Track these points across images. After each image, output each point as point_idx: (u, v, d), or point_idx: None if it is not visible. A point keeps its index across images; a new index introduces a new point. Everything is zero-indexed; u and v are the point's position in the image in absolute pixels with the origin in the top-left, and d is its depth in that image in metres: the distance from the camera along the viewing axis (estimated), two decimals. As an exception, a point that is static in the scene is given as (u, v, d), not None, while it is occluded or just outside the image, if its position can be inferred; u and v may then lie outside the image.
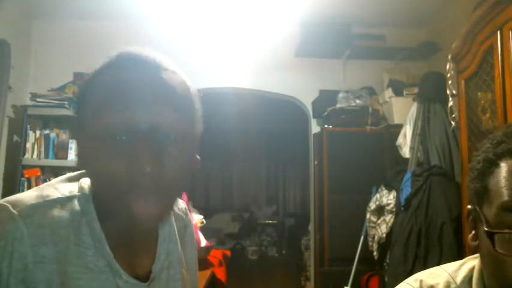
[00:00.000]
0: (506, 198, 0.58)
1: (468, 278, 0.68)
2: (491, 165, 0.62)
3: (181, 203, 0.79)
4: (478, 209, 0.63)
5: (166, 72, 0.57)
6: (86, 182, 0.63)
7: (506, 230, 0.55)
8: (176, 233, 0.72)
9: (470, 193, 0.65)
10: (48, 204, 0.57)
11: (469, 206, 0.66)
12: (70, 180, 0.65)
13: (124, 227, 0.60)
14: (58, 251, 0.55)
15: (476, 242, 0.63)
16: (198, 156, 0.63)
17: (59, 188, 0.61)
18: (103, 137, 0.53)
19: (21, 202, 0.56)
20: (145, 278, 0.64)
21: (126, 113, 0.53)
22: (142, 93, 0.54)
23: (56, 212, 0.57)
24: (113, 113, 0.53)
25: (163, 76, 0.56)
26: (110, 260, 0.59)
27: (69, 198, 0.59)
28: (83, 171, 0.65)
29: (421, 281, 0.72)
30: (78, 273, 0.56)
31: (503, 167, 0.60)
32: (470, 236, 0.64)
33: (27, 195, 0.58)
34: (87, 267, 0.57)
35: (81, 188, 0.61)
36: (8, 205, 0.55)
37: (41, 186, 0.62)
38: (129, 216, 0.54)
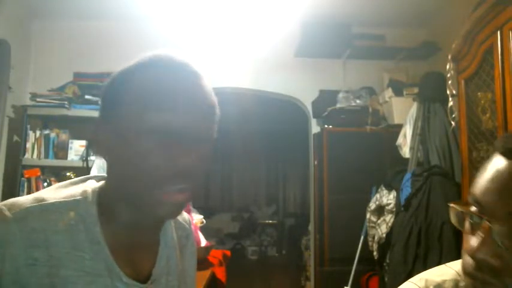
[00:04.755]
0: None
1: None
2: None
3: (186, 214, 0.81)
4: None
5: (202, 78, 0.63)
6: (89, 186, 0.64)
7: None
8: (176, 240, 0.74)
9: None
10: (44, 208, 0.58)
11: None
12: (72, 184, 0.66)
13: (129, 227, 0.62)
14: (51, 255, 0.56)
15: None
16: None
17: (59, 192, 0.62)
18: (145, 130, 0.56)
19: (17, 205, 0.57)
20: (145, 280, 0.65)
21: (170, 113, 0.57)
22: (185, 96, 0.59)
23: (52, 216, 0.58)
24: (158, 112, 0.57)
25: (200, 82, 0.62)
26: (110, 264, 0.60)
27: (68, 202, 0.60)
28: (87, 176, 0.67)
29: (426, 280, 0.71)
30: (74, 277, 0.57)
31: (489, 162, 0.60)
32: None
33: (25, 199, 0.59)
34: (84, 271, 0.57)
35: (84, 192, 0.62)
36: (4, 208, 0.56)
37: (42, 190, 0.63)
38: (157, 206, 0.58)
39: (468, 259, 0.59)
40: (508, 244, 0.54)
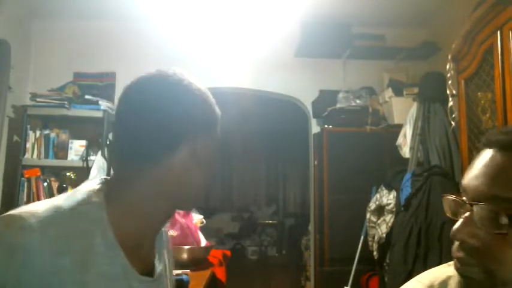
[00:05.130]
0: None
1: None
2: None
3: None
4: None
5: None
6: (97, 191, 0.65)
7: None
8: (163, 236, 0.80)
9: None
10: (62, 215, 0.59)
11: None
12: (80, 191, 0.66)
13: (141, 228, 0.67)
14: (75, 261, 0.57)
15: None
16: None
17: (73, 198, 0.63)
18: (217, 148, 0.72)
19: (36, 214, 0.57)
20: (150, 274, 0.69)
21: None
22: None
23: (70, 223, 0.59)
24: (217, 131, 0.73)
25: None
26: (126, 267, 0.62)
27: (83, 208, 0.61)
28: (92, 181, 0.68)
29: (431, 278, 0.72)
30: (95, 282, 0.58)
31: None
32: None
33: (42, 207, 0.60)
34: (103, 276, 0.59)
35: (93, 197, 0.64)
36: (24, 217, 0.56)
37: (53, 198, 0.64)
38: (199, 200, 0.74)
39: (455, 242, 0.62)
40: (487, 226, 0.56)
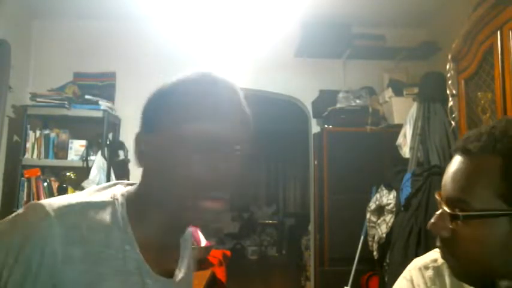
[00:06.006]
0: None
1: None
2: None
3: None
4: None
5: (239, 93, 0.68)
6: (118, 190, 0.67)
7: None
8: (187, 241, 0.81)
9: None
10: (82, 207, 0.61)
11: None
12: (101, 190, 0.68)
13: (160, 229, 0.66)
14: (88, 252, 0.58)
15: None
16: None
17: (93, 194, 0.66)
18: (189, 141, 0.61)
19: (56, 203, 0.59)
20: (171, 275, 0.70)
21: (212, 122, 0.62)
22: (225, 107, 0.64)
23: (89, 214, 0.61)
24: (204, 122, 0.61)
25: (238, 96, 0.67)
26: (140, 262, 0.63)
27: (103, 204, 0.63)
28: (114, 182, 0.71)
29: (416, 262, 0.84)
30: (108, 275, 0.59)
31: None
32: None
33: (62, 198, 0.62)
34: (116, 270, 0.60)
35: (114, 195, 0.66)
36: (44, 204, 0.58)
37: (74, 194, 0.67)
38: (197, 213, 0.62)
39: None
40: (449, 221, 0.66)
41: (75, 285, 0.56)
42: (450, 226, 0.66)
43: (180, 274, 0.72)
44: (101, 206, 0.63)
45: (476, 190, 0.63)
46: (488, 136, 0.65)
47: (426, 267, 0.81)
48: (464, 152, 0.66)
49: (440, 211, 0.69)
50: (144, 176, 0.67)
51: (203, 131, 0.61)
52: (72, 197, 0.63)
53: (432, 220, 0.69)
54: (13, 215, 0.59)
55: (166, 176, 0.63)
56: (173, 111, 0.63)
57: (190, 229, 0.84)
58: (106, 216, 0.62)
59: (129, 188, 0.69)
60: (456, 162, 0.68)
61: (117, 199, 0.65)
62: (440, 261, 0.79)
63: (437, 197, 0.71)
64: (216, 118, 0.62)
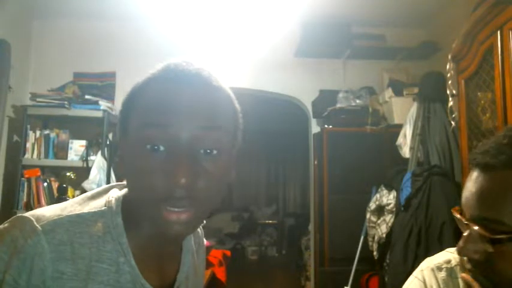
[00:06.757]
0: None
1: None
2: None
3: None
4: None
5: (211, 89, 0.59)
6: (113, 195, 0.64)
7: None
8: (193, 245, 0.75)
9: None
10: (71, 220, 0.58)
11: None
12: (95, 196, 0.65)
13: (154, 237, 0.62)
14: (78, 268, 0.56)
15: None
16: (233, 171, 0.65)
17: (85, 203, 0.62)
18: (144, 146, 0.55)
19: (44, 217, 0.56)
20: (171, 285, 0.66)
21: (169, 127, 0.55)
22: (186, 109, 0.56)
23: (78, 228, 0.58)
24: (156, 126, 0.55)
25: (208, 91, 0.59)
26: (135, 275, 0.60)
27: (95, 214, 0.60)
28: (110, 185, 0.67)
29: (428, 262, 0.82)
30: None
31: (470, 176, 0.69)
32: None
33: (51, 211, 0.59)
34: (108, 284, 0.58)
35: (108, 202, 0.62)
36: (32, 219, 0.55)
37: (66, 202, 0.63)
38: (161, 224, 0.56)
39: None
40: (483, 244, 0.63)
41: None
42: (486, 249, 0.62)
43: (183, 283, 0.68)
44: (93, 217, 0.59)
45: (509, 208, 0.60)
46: (511, 149, 0.61)
47: (439, 269, 0.79)
48: (487, 168, 0.63)
49: (468, 232, 0.65)
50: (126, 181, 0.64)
51: (158, 136, 0.55)
52: (62, 208, 0.60)
53: (461, 243, 0.66)
54: None
55: (130, 185, 0.60)
56: (135, 114, 0.58)
57: (201, 232, 0.82)
58: (98, 228, 0.59)
59: (125, 191, 0.65)
60: (479, 179, 0.64)
61: (111, 207, 0.61)
62: (454, 262, 0.78)
63: (457, 215, 0.68)
64: (171, 120, 0.55)
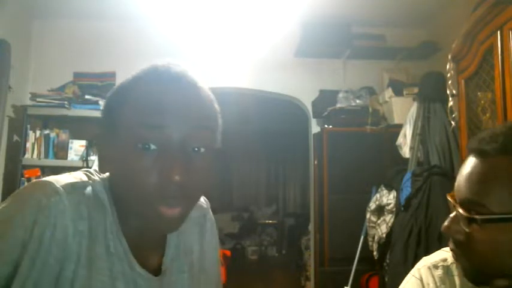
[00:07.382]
0: None
1: None
2: None
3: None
4: None
5: (198, 90, 0.63)
6: (94, 176, 0.66)
7: None
8: (189, 222, 0.73)
9: None
10: (84, 185, 0.62)
11: None
12: (78, 175, 0.67)
13: (142, 230, 0.65)
14: (91, 229, 0.60)
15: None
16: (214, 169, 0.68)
17: (91, 177, 0.66)
18: (136, 145, 0.58)
19: (62, 180, 0.60)
20: (156, 271, 0.68)
21: (164, 128, 0.58)
22: (178, 109, 0.59)
23: (91, 193, 0.62)
24: (151, 126, 0.58)
25: (196, 93, 0.62)
26: (125, 249, 0.63)
27: (97, 187, 0.64)
28: (81, 170, 0.68)
29: (424, 261, 0.83)
30: (103, 255, 0.60)
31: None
32: None
33: (65, 176, 0.62)
34: (109, 251, 0.61)
35: (103, 181, 0.66)
36: (52, 181, 0.59)
37: (74, 172, 0.66)
38: (155, 220, 0.59)
39: None
40: (465, 224, 0.65)
41: (79, 260, 0.57)
42: (466, 229, 0.65)
43: (171, 266, 0.70)
44: (96, 189, 0.63)
45: (494, 193, 0.62)
46: (505, 137, 0.63)
47: (436, 267, 0.81)
48: (480, 153, 0.65)
49: (454, 214, 0.68)
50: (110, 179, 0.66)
51: (147, 136, 0.57)
52: (71, 175, 0.63)
53: (446, 223, 0.69)
54: (16, 193, 0.59)
55: (120, 183, 0.62)
56: (122, 114, 0.60)
57: (203, 203, 0.84)
58: (103, 199, 0.63)
59: (102, 184, 0.66)
60: (471, 164, 0.66)
61: (99, 182, 0.65)
62: (450, 260, 0.79)
63: (449, 199, 0.70)
64: (161, 121, 0.57)
